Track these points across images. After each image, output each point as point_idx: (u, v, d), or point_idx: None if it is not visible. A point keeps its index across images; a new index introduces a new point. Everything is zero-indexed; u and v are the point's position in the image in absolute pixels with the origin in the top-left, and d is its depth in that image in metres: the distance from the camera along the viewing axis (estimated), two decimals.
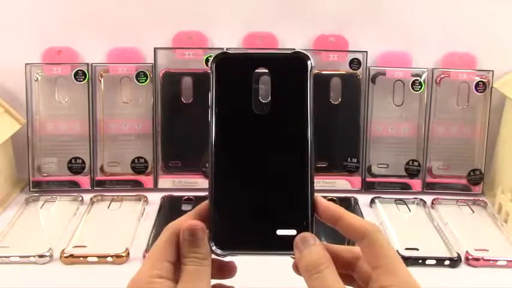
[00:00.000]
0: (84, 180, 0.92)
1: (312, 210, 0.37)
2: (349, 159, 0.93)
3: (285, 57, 0.38)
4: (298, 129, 0.37)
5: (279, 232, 0.37)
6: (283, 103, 0.37)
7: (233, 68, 0.37)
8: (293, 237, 0.36)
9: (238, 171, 0.37)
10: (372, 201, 0.88)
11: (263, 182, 0.37)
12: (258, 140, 0.37)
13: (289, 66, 0.38)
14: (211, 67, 0.37)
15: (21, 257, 0.71)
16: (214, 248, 0.37)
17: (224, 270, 0.40)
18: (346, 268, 0.38)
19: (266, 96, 0.37)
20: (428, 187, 0.93)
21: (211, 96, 0.37)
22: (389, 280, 0.34)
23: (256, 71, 0.37)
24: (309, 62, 0.38)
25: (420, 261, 0.71)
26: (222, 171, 0.37)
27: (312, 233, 0.37)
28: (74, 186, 0.92)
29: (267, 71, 0.37)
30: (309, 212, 0.37)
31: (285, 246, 0.37)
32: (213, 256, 0.38)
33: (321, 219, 0.37)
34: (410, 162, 0.93)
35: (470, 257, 0.72)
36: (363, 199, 0.89)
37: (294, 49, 0.39)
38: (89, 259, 0.71)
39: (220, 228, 0.37)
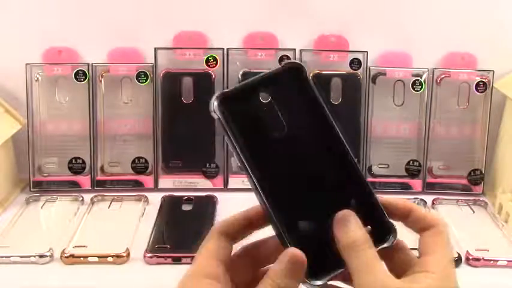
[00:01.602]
0: (84, 180, 0.92)
1: (383, 209, 0.37)
2: None
3: (279, 72, 0.36)
4: (327, 136, 0.36)
5: None
6: (298, 117, 0.36)
7: (237, 103, 0.36)
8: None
9: (296, 201, 0.35)
10: None
11: (325, 202, 0.35)
12: (296, 162, 0.36)
13: (287, 80, 0.36)
14: (216, 111, 0.35)
15: (21, 257, 0.71)
16: (312, 281, 0.34)
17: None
18: (383, 257, 0.37)
19: (279, 118, 0.36)
20: (429, 187, 0.93)
21: (231, 139, 0.35)
22: (435, 267, 0.34)
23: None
24: (304, 70, 0.36)
25: None
26: (281, 207, 0.35)
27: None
28: (74, 186, 0.92)
29: (268, 93, 0.36)
30: (383, 213, 0.36)
31: None
32: None
33: (392, 218, 0.37)
34: (411, 162, 0.93)
35: (470, 257, 0.72)
36: None
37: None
38: (90, 259, 0.71)
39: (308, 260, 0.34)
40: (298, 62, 0.37)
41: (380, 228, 0.36)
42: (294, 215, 0.35)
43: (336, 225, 0.34)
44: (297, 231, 0.35)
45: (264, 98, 0.36)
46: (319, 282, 0.34)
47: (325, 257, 0.35)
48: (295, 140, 0.36)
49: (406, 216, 0.37)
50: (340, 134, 0.36)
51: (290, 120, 0.36)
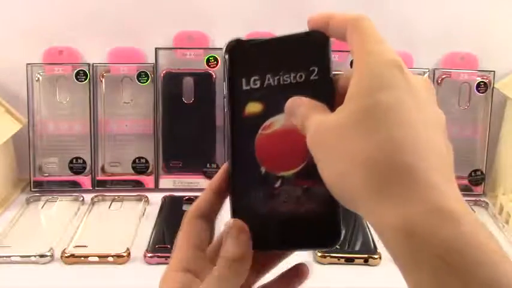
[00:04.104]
0: (85, 180, 0.93)
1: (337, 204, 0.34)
2: None
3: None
4: None
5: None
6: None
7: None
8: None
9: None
10: None
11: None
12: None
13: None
14: (224, 54, 0.35)
15: (22, 256, 0.72)
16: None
17: (297, 276, 0.36)
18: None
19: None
20: None
21: (225, 87, 0.35)
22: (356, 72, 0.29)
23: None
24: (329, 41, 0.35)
25: None
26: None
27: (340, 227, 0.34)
28: (75, 186, 0.92)
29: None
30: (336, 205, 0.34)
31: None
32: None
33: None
34: None
35: None
36: None
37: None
38: (90, 259, 0.71)
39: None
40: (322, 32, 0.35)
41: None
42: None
43: (288, 115, 0.33)
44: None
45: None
46: None
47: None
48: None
49: (326, 28, 0.33)
50: None
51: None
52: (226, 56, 0.35)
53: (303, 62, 0.34)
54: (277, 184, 0.34)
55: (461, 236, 0.24)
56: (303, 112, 0.32)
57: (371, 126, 0.27)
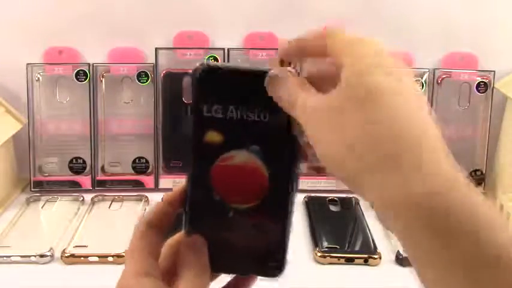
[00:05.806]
0: (85, 180, 0.93)
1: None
2: None
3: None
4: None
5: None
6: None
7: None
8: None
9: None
10: None
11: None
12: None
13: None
14: (193, 75, 0.35)
15: (22, 256, 0.72)
16: None
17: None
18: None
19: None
20: None
21: (192, 106, 0.35)
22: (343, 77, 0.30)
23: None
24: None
25: None
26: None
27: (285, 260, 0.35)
28: (75, 186, 0.92)
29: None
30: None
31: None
32: None
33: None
34: None
35: None
36: None
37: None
38: (90, 259, 0.72)
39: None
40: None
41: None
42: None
43: (270, 92, 0.32)
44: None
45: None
46: None
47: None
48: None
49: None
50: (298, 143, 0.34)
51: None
52: (192, 78, 0.35)
53: (268, 102, 0.33)
54: (230, 214, 0.35)
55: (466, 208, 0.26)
56: (290, 90, 0.32)
57: (368, 106, 0.28)
